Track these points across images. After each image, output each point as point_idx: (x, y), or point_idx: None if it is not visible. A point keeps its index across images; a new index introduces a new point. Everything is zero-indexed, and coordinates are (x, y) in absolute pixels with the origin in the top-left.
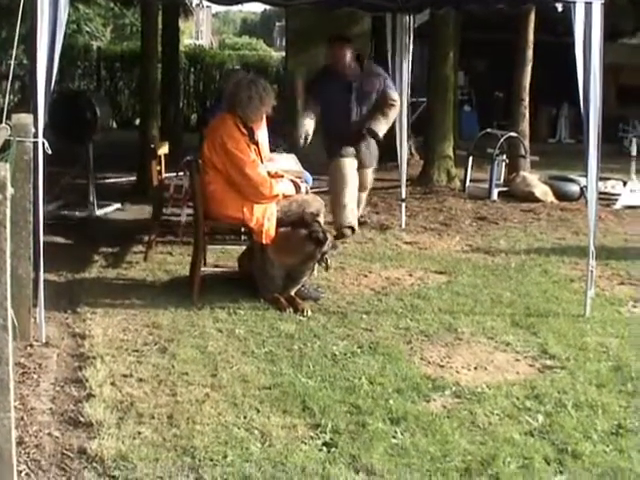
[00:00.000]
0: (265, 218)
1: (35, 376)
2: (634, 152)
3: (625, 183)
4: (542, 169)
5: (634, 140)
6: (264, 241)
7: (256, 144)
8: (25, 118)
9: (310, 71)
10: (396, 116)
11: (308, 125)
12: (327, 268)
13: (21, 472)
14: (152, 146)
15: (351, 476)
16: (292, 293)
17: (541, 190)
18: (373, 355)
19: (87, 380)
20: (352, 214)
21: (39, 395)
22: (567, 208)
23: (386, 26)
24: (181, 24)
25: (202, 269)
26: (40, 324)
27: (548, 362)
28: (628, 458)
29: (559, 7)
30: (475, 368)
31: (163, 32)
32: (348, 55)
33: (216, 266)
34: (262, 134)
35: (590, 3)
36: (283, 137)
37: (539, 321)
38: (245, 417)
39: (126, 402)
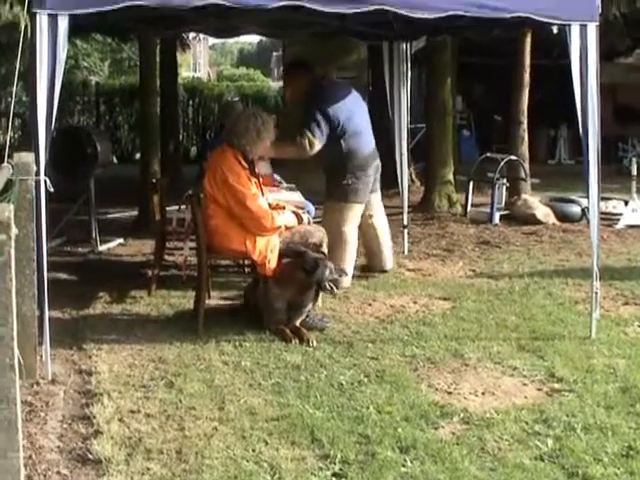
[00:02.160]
0: (268, 250)
1: (42, 414)
2: (634, 171)
3: (626, 203)
4: (543, 191)
5: (634, 159)
6: (267, 273)
7: (257, 177)
8: (26, 157)
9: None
10: (297, 157)
11: None
12: (333, 295)
13: None
14: (153, 180)
15: None
16: (297, 323)
17: (542, 212)
18: (380, 384)
19: (94, 417)
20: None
21: (47, 433)
22: (569, 229)
23: (383, 54)
24: (178, 57)
25: (206, 302)
26: (46, 362)
27: (556, 385)
28: None
29: (554, 29)
30: (483, 394)
31: (161, 65)
32: (295, 85)
33: (220, 299)
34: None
35: (585, 25)
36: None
37: (545, 344)
38: (254, 450)
39: (134, 438)
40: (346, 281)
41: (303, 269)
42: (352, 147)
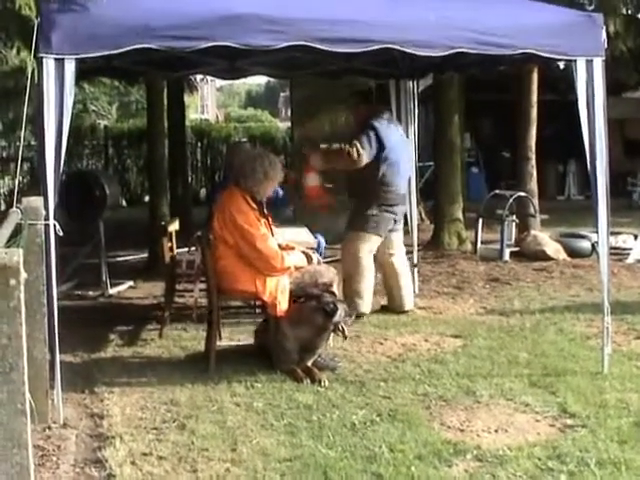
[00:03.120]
0: (278, 291)
1: (54, 458)
2: None
3: (636, 237)
4: (552, 227)
5: None
6: (278, 314)
7: (266, 217)
8: (35, 201)
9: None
10: (345, 167)
11: None
12: (345, 337)
13: None
14: (162, 223)
15: None
16: (309, 364)
17: (552, 248)
18: (392, 422)
19: (107, 460)
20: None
21: (59, 477)
22: (580, 265)
23: (390, 92)
24: (186, 99)
25: (217, 344)
26: (58, 406)
27: (568, 421)
28: None
29: (561, 65)
30: (495, 431)
31: (168, 108)
32: (361, 110)
33: (231, 340)
34: None
35: (591, 60)
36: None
37: (557, 380)
38: None
39: None
40: (364, 307)
41: (324, 311)
42: (387, 176)
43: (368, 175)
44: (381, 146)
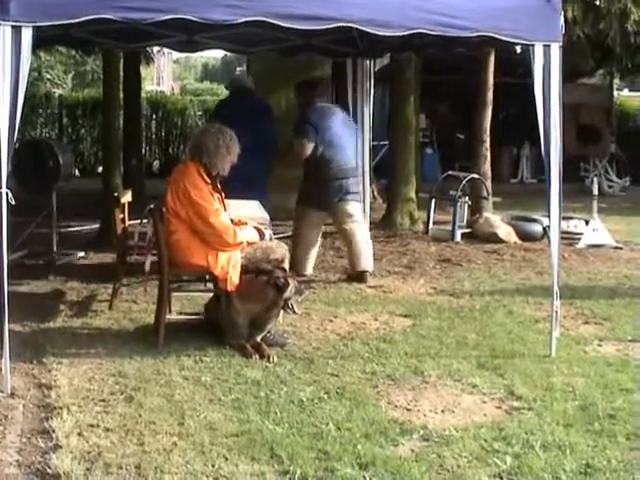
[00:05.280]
0: (230, 266)
1: (1, 428)
2: (595, 191)
3: (587, 222)
4: (505, 209)
5: (595, 179)
6: (229, 288)
7: (219, 192)
8: None
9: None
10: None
11: None
12: (294, 312)
13: None
14: (115, 194)
15: None
16: (258, 340)
17: (504, 231)
18: (340, 400)
19: (54, 431)
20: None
21: (5, 447)
22: (530, 248)
23: (347, 71)
24: (142, 70)
25: (167, 317)
26: (5, 375)
27: (515, 403)
28: None
29: (517, 49)
30: (442, 411)
31: (124, 79)
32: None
33: (181, 314)
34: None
35: (548, 45)
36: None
37: (505, 362)
38: (213, 465)
39: (93, 452)
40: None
41: (275, 286)
42: (326, 154)
43: (310, 156)
44: (315, 131)
